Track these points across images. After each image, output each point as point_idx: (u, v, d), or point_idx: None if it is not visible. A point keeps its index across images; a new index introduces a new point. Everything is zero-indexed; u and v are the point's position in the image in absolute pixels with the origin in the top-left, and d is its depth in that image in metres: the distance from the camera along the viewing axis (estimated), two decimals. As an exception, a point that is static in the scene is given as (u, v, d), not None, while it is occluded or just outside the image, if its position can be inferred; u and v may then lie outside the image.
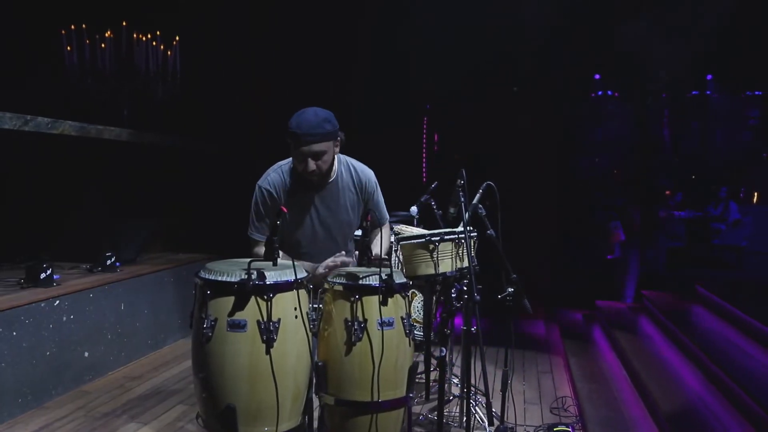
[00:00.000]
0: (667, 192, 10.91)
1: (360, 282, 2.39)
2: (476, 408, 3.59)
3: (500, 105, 6.89)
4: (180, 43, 5.52)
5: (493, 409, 3.61)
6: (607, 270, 7.23)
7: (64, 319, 3.98)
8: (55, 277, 4.15)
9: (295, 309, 2.27)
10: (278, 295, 2.23)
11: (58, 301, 3.94)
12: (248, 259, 2.28)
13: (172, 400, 3.94)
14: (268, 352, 2.20)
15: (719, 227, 10.10)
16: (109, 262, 4.69)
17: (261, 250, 2.48)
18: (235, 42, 6.26)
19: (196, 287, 2.32)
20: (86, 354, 4.17)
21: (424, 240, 2.66)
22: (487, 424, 3.44)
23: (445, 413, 3.63)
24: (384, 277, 2.37)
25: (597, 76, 9.52)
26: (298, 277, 2.30)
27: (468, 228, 2.78)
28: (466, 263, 2.80)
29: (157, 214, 5.58)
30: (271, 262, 2.26)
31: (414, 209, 3.97)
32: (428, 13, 6.02)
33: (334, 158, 2.71)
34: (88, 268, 4.68)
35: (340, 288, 2.42)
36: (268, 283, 2.21)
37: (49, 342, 3.85)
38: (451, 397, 3.80)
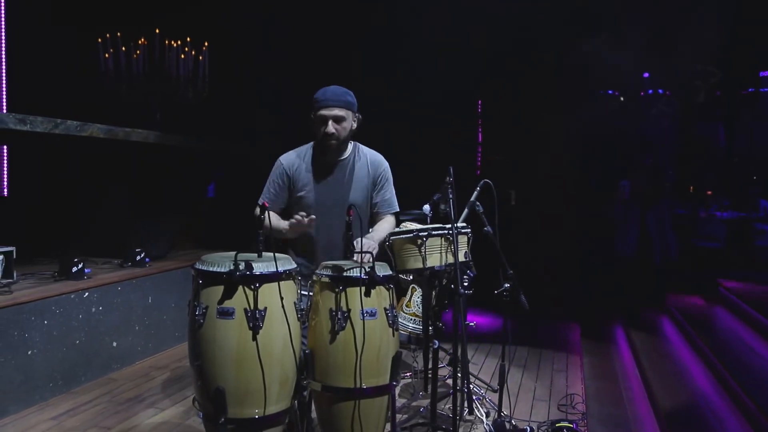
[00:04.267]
0: (708, 192, 10.61)
1: (344, 274, 2.51)
2: (475, 400, 3.66)
3: (541, 104, 6.75)
4: (209, 48, 5.74)
5: (495, 403, 3.70)
6: (631, 271, 7.11)
7: (93, 310, 4.24)
8: (86, 270, 4.41)
9: (282, 299, 2.41)
10: (265, 285, 2.37)
11: (87, 293, 4.20)
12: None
13: (190, 389, 4.13)
14: (254, 338, 2.34)
15: (764, 228, 9.77)
16: (138, 257, 4.95)
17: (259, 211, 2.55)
18: (265, 43, 6.45)
19: (192, 278, 2.49)
20: (114, 344, 4.42)
21: (412, 235, 2.76)
22: (484, 416, 3.52)
23: (447, 406, 3.71)
24: (367, 269, 2.48)
25: (646, 75, 9.33)
26: (286, 269, 2.43)
27: (457, 224, 2.86)
28: (459, 258, 2.88)
29: (186, 212, 5.82)
30: (259, 254, 2.41)
31: (426, 207, 4.03)
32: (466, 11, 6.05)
33: (350, 132, 2.95)
34: (119, 263, 4.95)
35: (327, 279, 2.55)
36: (255, 273, 2.36)
37: (78, 331, 4.11)
38: (452, 391, 3.87)
